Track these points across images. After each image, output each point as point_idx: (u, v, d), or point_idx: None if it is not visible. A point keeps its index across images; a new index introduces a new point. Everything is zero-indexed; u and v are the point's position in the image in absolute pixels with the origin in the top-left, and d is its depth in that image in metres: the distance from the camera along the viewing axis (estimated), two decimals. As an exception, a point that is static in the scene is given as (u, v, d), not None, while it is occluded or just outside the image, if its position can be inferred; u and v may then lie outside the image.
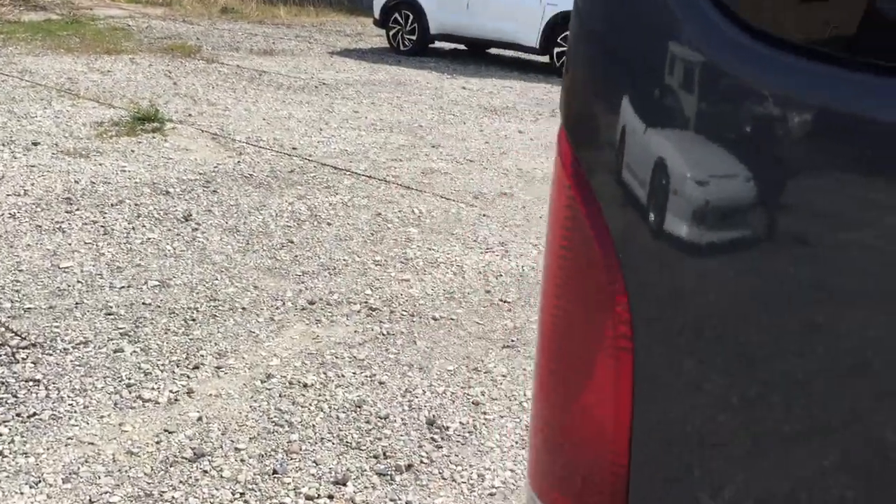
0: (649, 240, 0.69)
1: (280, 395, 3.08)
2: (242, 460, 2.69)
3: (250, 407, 2.99)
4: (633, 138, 0.69)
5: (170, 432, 2.80)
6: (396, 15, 12.49)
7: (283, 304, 3.83)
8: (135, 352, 3.30)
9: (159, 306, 3.70)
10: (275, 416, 2.94)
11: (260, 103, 8.03)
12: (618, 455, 0.73)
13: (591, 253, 0.71)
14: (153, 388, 3.05)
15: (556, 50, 11.38)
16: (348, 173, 5.96)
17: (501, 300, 4.06)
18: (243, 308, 3.75)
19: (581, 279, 0.73)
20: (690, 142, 0.67)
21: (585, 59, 0.74)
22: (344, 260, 4.40)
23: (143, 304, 3.71)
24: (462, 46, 13.07)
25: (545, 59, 11.75)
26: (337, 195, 5.45)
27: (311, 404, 3.04)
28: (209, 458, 2.69)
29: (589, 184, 0.71)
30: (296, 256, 4.39)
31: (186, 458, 2.67)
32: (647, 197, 0.69)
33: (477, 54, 12.88)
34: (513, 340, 3.65)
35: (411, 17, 12.35)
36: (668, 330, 0.71)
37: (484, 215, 5.30)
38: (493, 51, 12.81)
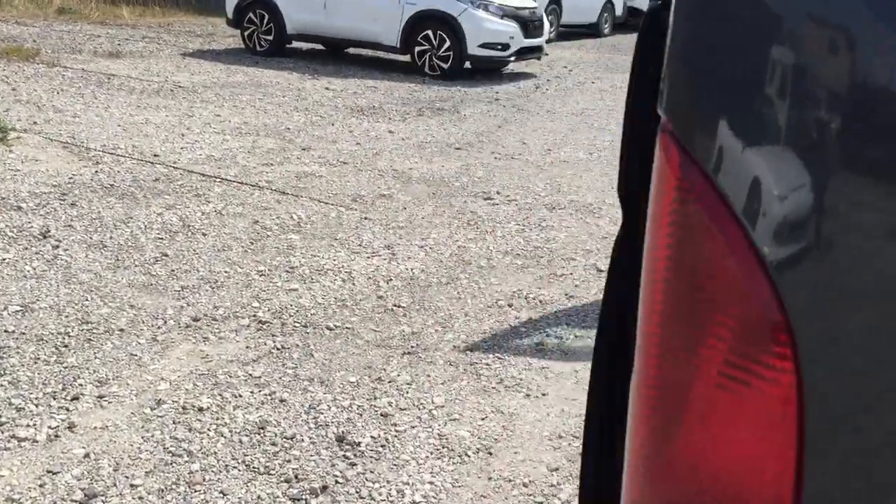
0: (802, 237, 0.58)
1: (174, 422, 2.85)
2: (141, 498, 2.46)
3: (142, 438, 2.75)
4: (758, 128, 0.60)
5: (54, 473, 2.53)
6: (251, 14, 12.07)
7: (165, 322, 3.58)
8: (2, 385, 2.98)
9: (24, 333, 3.37)
10: (171, 446, 2.72)
11: (112, 109, 7.55)
12: None
13: (723, 259, 0.61)
14: (29, 425, 2.76)
15: (417, 49, 11.33)
16: (218, 180, 5.68)
17: (395, 305, 3.95)
18: (121, 329, 3.47)
19: (706, 287, 0.62)
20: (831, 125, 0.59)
21: (694, 54, 0.64)
22: (225, 272, 4.16)
23: (5, 331, 3.37)
24: (320, 46, 12.81)
25: (406, 58, 11.69)
26: (209, 203, 5.17)
27: (209, 429, 2.83)
28: (102, 498, 2.44)
29: (708, 178, 0.61)
30: (172, 271, 4.12)
31: (77, 501, 2.42)
32: (787, 189, 0.59)
33: (336, 54, 12.65)
34: (413, 346, 3.55)
35: (266, 16, 11.97)
36: (840, 347, 0.60)
37: (365, 218, 5.17)
38: (352, 50, 12.63)
